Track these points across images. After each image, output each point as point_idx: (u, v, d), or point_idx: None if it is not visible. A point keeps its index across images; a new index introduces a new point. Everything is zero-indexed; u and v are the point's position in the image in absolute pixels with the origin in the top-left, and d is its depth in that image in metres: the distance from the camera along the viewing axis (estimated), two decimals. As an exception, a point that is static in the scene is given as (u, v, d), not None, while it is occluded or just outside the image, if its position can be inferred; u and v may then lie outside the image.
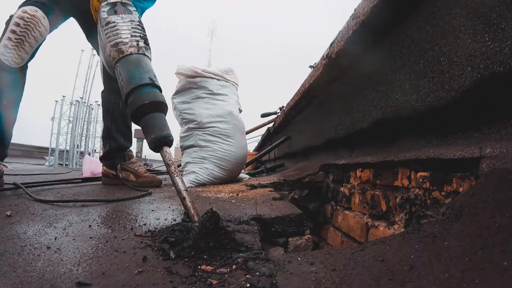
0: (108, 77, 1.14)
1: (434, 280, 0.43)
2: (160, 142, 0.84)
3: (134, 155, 2.01)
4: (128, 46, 0.97)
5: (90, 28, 1.20)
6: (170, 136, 0.86)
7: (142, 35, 1.02)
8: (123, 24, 1.01)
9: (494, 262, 0.42)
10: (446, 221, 0.58)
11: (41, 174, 2.83)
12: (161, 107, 0.89)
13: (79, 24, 1.68)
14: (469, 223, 0.53)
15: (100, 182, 1.94)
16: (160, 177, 1.97)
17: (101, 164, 1.94)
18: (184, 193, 0.76)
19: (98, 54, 1.21)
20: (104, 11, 1.04)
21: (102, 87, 1.84)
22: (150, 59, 1.01)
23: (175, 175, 0.79)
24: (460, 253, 0.47)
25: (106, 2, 1.08)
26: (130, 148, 1.92)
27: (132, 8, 1.08)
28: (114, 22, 1.01)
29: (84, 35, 1.70)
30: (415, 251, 0.53)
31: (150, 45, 1.03)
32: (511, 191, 0.53)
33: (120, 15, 1.03)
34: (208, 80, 2.05)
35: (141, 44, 0.99)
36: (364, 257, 0.55)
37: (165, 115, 0.91)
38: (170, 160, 0.82)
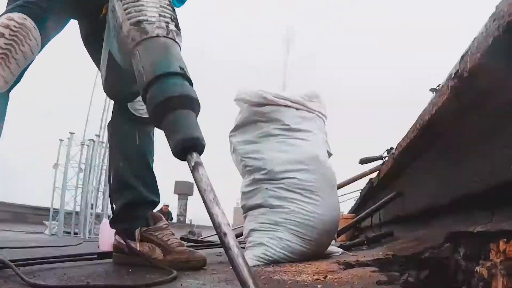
0: (114, 77, 1.03)
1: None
2: (189, 144, 0.69)
3: (175, 219, 1.71)
4: (155, 26, 0.86)
5: (95, 29, 1.08)
6: (202, 140, 0.71)
7: (173, 16, 0.91)
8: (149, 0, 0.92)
9: None
10: None
11: (40, 247, 2.33)
12: (192, 104, 0.76)
13: (81, 27, 1.43)
14: None
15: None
16: (211, 251, 1.58)
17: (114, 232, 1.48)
18: (241, 261, 0.54)
19: (97, 64, 1.10)
20: None
21: None
22: (181, 49, 0.89)
23: (217, 210, 0.60)
24: None
25: None
26: (164, 208, 1.59)
27: None
28: None
29: (82, 39, 1.44)
30: None
31: (181, 31, 0.91)
32: None
33: None
34: (283, 109, 1.77)
35: (171, 27, 0.88)
36: None
37: (197, 116, 0.78)
38: (207, 178, 0.64)
